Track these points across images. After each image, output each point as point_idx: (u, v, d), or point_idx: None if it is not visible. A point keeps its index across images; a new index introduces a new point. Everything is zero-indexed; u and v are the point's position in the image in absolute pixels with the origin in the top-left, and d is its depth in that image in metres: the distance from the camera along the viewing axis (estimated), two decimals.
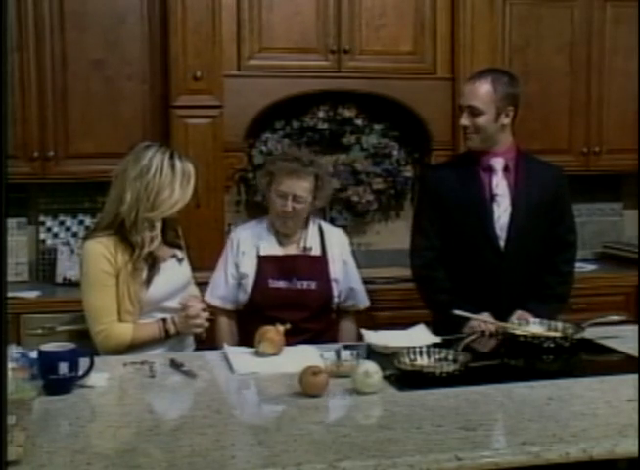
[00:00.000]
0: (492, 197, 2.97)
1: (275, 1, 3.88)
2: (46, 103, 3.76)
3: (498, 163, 2.98)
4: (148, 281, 2.66)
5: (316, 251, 3.04)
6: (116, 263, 2.63)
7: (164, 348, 2.71)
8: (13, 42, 3.67)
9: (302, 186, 2.94)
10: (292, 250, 3.03)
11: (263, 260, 2.99)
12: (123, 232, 2.64)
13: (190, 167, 2.69)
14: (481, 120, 2.90)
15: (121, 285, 2.63)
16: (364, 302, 3.18)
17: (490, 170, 2.98)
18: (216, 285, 3.06)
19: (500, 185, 2.98)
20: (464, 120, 2.94)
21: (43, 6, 3.71)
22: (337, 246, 3.09)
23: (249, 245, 3.02)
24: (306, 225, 3.07)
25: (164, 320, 2.68)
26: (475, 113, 2.90)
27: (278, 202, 2.95)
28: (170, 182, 2.63)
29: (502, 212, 2.97)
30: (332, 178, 3.16)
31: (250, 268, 2.99)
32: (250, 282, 2.98)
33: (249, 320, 2.92)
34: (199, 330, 2.72)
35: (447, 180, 3.02)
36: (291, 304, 2.94)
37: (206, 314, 2.71)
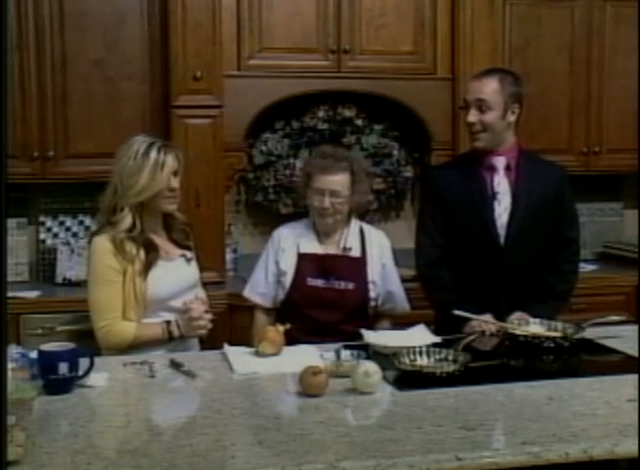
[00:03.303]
0: (493, 195, 2.98)
1: (275, 1, 3.88)
2: (46, 103, 3.76)
3: (500, 161, 2.99)
4: (146, 268, 2.66)
5: (356, 252, 3.05)
6: (123, 259, 2.64)
7: (167, 349, 2.69)
8: (13, 42, 3.67)
9: (338, 181, 2.95)
10: (332, 249, 3.04)
11: (303, 258, 3.01)
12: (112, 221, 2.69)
13: (168, 158, 2.68)
14: (489, 117, 2.90)
15: (127, 282, 2.64)
16: (403, 305, 3.15)
17: (492, 169, 2.99)
18: (256, 282, 3.09)
19: (501, 183, 2.99)
20: (472, 117, 2.92)
21: (43, 6, 3.71)
22: (377, 248, 3.10)
23: (289, 243, 3.04)
24: (347, 224, 3.08)
25: (168, 322, 2.68)
26: (483, 108, 2.90)
27: (316, 199, 2.97)
28: (138, 170, 2.64)
29: (503, 211, 2.98)
30: (369, 174, 3.21)
31: (289, 266, 3.01)
32: (288, 279, 3.00)
33: (285, 318, 2.90)
34: (202, 332, 2.70)
35: (451, 179, 3.03)
36: (327, 303, 2.96)
37: (209, 315, 2.70)
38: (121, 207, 2.67)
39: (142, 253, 2.67)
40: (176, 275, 2.74)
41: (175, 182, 2.71)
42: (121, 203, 2.67)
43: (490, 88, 2.90)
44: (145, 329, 2.66)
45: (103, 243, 2.66)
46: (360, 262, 3.04)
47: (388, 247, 3.15)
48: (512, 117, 2.95)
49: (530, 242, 2.99)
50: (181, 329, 2.67)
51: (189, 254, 2.84)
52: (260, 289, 3.07)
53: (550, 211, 3.02)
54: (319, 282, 2.98)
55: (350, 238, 3.06)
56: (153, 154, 2.66)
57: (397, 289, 3.13)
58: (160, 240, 2.77)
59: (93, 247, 2.68)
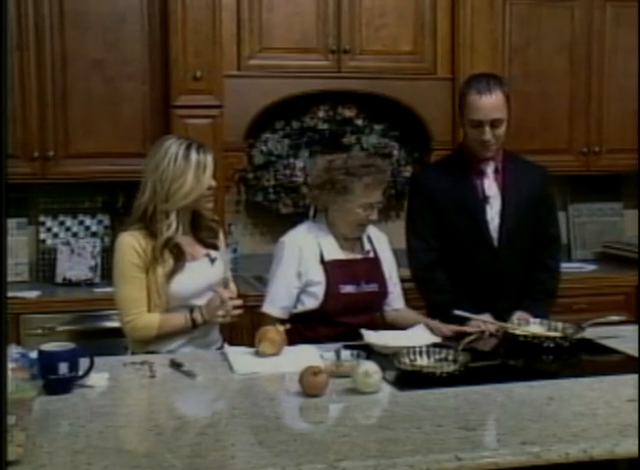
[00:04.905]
0: (485, 198, 3.00)
1: (275, 1, 3.88)
2: (46, 103, 3.76)
3: (489, 166, 3.00)
4: (171, 274, 2.66)
5: (371, 253, 3.04)
6: (147, 256, 2.65)
7: (190, 343, 2.71)
8: (13, 42, 3.67)
9: (381, 193, 2.95)
10: (353, 253, 3.00)
11: (330, 266, 2.93)
12: (149, 225, 2.68)
13: (208, 159, 2.70)
14: (503, 129, 2.90)
15: (150, 278, 2.66)
16: (399, 302, 3.12)
17: (482, 173, 3.00)
18: (277, 296, 2.95)
19: (492, 187, 3.01)
20: (488, 135, 2.88)
21: (43, 6, 3.71)
22: (384, 244, 3.10)
23: (312, 252, 2.94)
24: None
25: (191, 310, 2.68)
26: (497, 125, 2.88)
27: (361, 212, 2.90)
28: (183, 172, 2.64)
29: (494, 214, 3.00)
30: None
31: (318, 275, 2.92)
32: (321, 289, 2.92)
33: (315, 325, 2.90)
34: (226, 318, 2.67)
35: (440, 181, 3.03)
36: (360, 307, 2.93)
37: (240, 302, 2.68)
38: (166, 212, 2.66)
39: (167, 256, 2.67)
40: (199, 276, 2.73)
41: (214, 181, 2.74)
42: (165, 208, 2.66)
43: (501, 103, 2.87)
44: (169, 319, 2.68)
45: (127, 240, 2.67)
46: (377, 263, 3.03)
47: (386, 241, 3.13)
48: None
49: (522, 241, 3.02)
50: (204, 315, 2.67)
51: (213, 253, 2.82)
52: (282, 303, 2.94)
53: (537, 210, 3.05)
54: (351, 288, 2.93)
55: (366, 240, 3.05)
56: (193, 155, 2.66)
57: (397, 285, 3.10)
58: (187, 240, 2.76)
59: (118, 243, 2.70)
